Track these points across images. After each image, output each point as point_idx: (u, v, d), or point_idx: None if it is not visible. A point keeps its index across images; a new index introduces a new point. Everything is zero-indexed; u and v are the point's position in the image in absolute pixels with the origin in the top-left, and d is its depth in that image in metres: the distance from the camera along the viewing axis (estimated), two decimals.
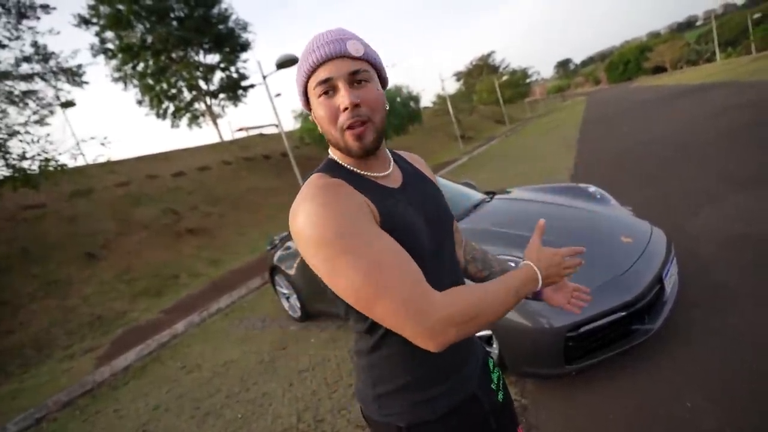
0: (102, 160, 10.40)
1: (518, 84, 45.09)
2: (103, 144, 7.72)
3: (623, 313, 1.71)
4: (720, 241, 2.90)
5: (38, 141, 6.98)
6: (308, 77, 0.72)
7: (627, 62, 77.61)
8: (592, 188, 2.84)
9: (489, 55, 59.88)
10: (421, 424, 0.76)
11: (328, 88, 0.69)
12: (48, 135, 6.99)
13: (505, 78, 41.48)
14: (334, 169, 0.75)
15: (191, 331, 5.03)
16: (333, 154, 0.79)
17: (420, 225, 0.74)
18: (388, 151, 0.84)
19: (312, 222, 0.63)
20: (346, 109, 0.68)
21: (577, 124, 17.32)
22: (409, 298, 0.60)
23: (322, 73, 0.69)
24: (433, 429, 0.76)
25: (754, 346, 1.84)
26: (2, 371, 5.15)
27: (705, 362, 1.83)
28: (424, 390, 0.76)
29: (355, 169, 0.76)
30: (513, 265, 1.15)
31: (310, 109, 0.76)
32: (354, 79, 0.70)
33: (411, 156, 0.95)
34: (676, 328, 2.06)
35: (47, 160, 6.91)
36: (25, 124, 7.24)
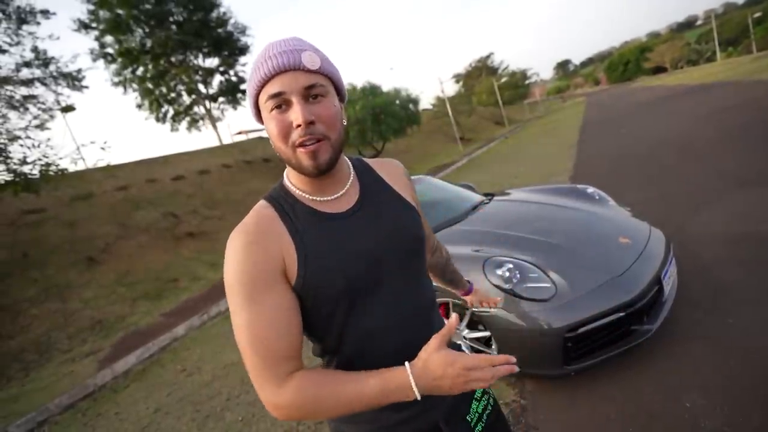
0: (102, 164, 10.41)
1: (517, 85, 45.15)
2: (103, 148, 7.75)
3: (622, 314, 1.71)
4: (720, 240, 2.90)
5: (39, 146, 7.02)
6: (259, 89, 0.66)
7: (627, 63, 77.72)
8: (590, 189, 2.84)
9: (488, 56, 59.99)
10: None
11: (281, 102, 0.65)
12: (48, 140, 7.00)
13: (504, 80, 41.58)
14: (278, 197, 0.74)
15: (191, 334, 5.03)
16: (286, 175, 0.77)
17: (349, 260, 0.69)
18: (350, 166, 0.80)
19: (229, 261, 0.67)
20: (299, 126, 0.64)
21: (576, 125, 17.33)
22: (258, 369, 0.64)
23: (274, 86, 0.64)
24: None
25: (755, 345, 1.84)
26: (3, 375, 5.15)
27: (704, 362, 1.83)
28: (376, 418, 0.74)
29: (303, 194, 0.73)
30: (467, 282, 1.15)
31: (261, 122, 0.70)
32: (309, 94, 0.65)
33: (386, 165, 0.86)
34: (675, 328, 2.06)
35: (48, 164, 6.94)
36: (26, 128, 7.27)
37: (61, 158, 7.21)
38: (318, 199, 0.73)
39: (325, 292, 0.68)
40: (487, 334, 1.97)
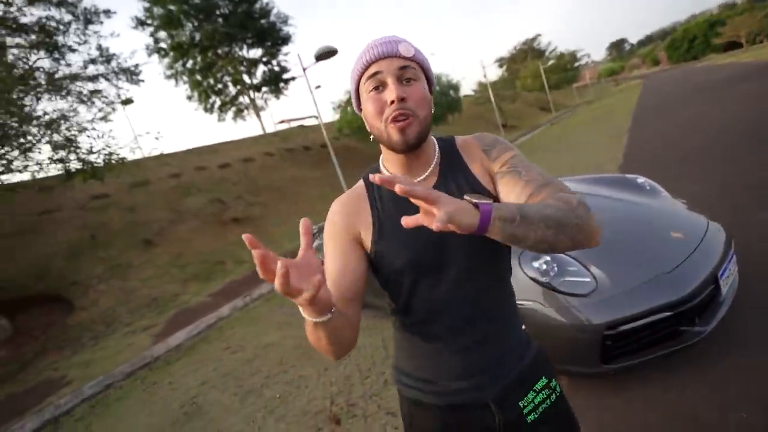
0: (156, 153, 11.13)
1: (566, 68, 42.55)
2: (156, 138, 8.34)
3: (669, 313, 1.60)
4: None
5: (102, 136, 7.62)
6: (360, 75, 0.77)
7: (693, 39, 70.15)
8: (641, 179, 2.65)
9: (534, 38, 56.93)
10: (421, 405, 0.83)
11: (378, 83, 0.74)
12: (111, 131, 7.58)
13: (551, 62, 39.37)
14: (373, 173, 0.79)
15: (235, 314, 5.33)
16: (381, 159, 0.86)
17: (417, 239, 0.74)
18: (436, 149, 0.83)
19: (328, 217, 0.85)
20: (392, 102, 0.72)
21: (629, 110, 16.11)
22: None
23: (373, 69, 0.74)
24: (431, 415, 0.82)
25: None
26: (77, 342, 5.76)
27: (763, 371, 1.68)
28: (429, 378, 0.82)
29: (389, 174, 0.76)
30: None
31: (361, 110, 0.80)
32: (403, 76, 0.74)
33: (466, 145, 0.85)
34: (734, 332, 1.90)
35: (110, 154, 7.53)
36: (92, 121, 7.91)
37: (121, 148, 7.79)
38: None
39: (393, 264, 0.78)
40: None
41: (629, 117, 13.37)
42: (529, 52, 54.07)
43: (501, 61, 55.57)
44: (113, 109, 9.37)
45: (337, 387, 2.66)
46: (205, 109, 24.35)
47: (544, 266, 1.80)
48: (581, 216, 0.65)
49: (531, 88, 38.35)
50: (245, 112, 25.26)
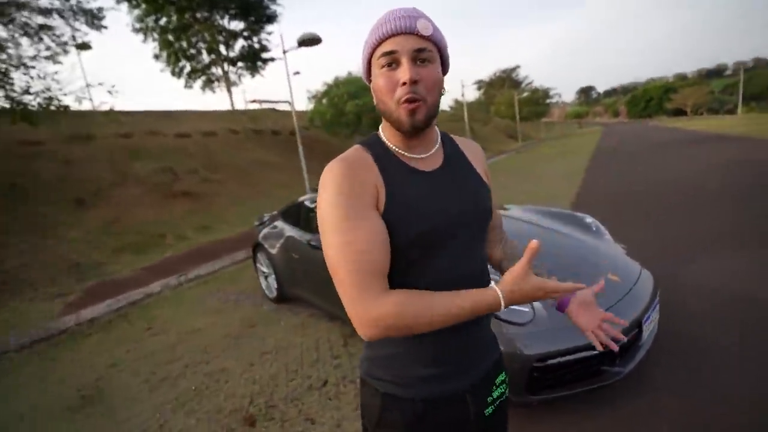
0: (105, 107, 10.23)
1: (538, 103, 44.84)
2: (110, 92, 7.60)
3: (595, 352, 1.64)
4: (709, 295, 2.84)
5: (44, 78, 6.86)
6: (374, 48, 0.74)
7: (650, 99, 77.17)
8: (589, 219, 2.77)
9: (513, 69, 59.54)
10: (396, 398, 0.80)
11: (392, 60, 0.71)
12: (56, 73, 6.83)
13: (525, 95, 41.26)
14: (373, 144, 0.80)
15: (166, 293, 4.97)
16: (381, 130, 0.82)
17: (430, 210, 0.75)
18: (438, 133, 0.85)
19: (328, 185, 0.72)
20: (404, 83, 0.70)
21: (589, 152, 17.21)
22: (355, 284, 0.67)
23: (387, 46, 0.71)
24: (406, 409, 0.79)
25: (721, 404, 1.78)
26: None
27: (668, 418, 1.77)
28: (408, 368, 0.79)
29: (395, 148, 0.79)
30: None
31: (370, 80, 0.78)
32: (418, 57, 0.71)
33: (467, 143, 0.92)
34: (647, 376, 2.00)
35: (51, 98, 6.79)
36: (34, 58, 7.11)
37: (65, 94, 7.06)
38: (407, 154, 0.79)
39: (404, 231, 0.73)
40: None
41: (588, 159, 14.26)
42: (506, 81, 56.40)
43: (480, 84, 57.48)
44: (65, 51, 8.51)
45: (260, 386, 2.52)
46: (173, 73, 22.88)
47: None
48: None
49: (503, 115, 39.96)
50: (216, 83, 24.05)
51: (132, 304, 4.66)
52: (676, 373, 2.04)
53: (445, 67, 0.79)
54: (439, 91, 0.76)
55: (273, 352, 2.96)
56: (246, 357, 2.93)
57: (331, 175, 0.72)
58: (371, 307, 0.66)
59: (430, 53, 0.72)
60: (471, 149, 0.91)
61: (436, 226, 0.75)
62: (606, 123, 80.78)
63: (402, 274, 0.74)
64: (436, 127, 0.85)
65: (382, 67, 0.73)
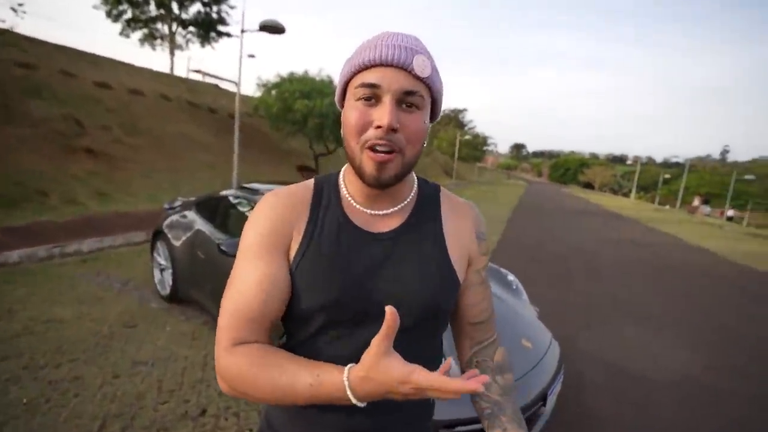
0: (2, 26, 8.55)
1: (476, 147, 48.16)
2: (14, 9, 6.32)
3: None
4: (603, 366, 3.07)
5: None
6: (356, 73, 0.60)
7: (568, 169, 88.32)
8: (511, 276, 2.84)
9: (461, 111, 63.58)
10: None
11: (371, 95, 0.58)
12: None
13: (467, 137, 44.05)
14: (327, 185, 0.70)
15: (28, 265, 4.10)
16: (344, 170, 0.71)
17: (346, 281, 0.61)
18: (414, 187, 0.71)
19: (252, 215, 0.67)
20: (379, 127, 0.57)
21: (512, 203, 18.72)
22: (223, 325, 0.60)
23: (371, 76, 0.57)
24: None
25: None
26: None
27: None
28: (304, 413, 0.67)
29: (347, 197, 0.67)
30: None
31: (343, 106, 0.64)
32: (405, 100, 0.58)
33: (458, 209, 0.74)
34: None
35: None
36: None
37: None
38: (359, 207, 0.67)
39: (305, 295, 0.62)
40: None
41: (510, 209, 15.45)
42: (453, 120, 59.84)
43: None
44: None
45: (119, 406, 2.08)
46: (109, 14, 20.24)
47: None
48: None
49: (444, 152, 42.09)
50: (158, 41, 21.79)
51: None
52: None
53: (434, 116, 0.66)
54: (422, 143, 0.62)
55: (149, 363, 2.52)
56: (112, 365, 2.45)
57: (259, 207, 0.66)
58: (222, 357, 0.58)
59: (421, 99, 0.59)
60: (456, 217, 0.72)
61: (346, 303, 0.61)
62: (530, 180, 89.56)
63: (308, 351, 0.62)
64: (413, 178, 0.72)
65: (359, 98, 0.58)
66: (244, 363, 0.56)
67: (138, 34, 21.38)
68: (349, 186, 0.68)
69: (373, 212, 0.67)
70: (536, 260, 6.74)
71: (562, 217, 15.68)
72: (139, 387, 2.26)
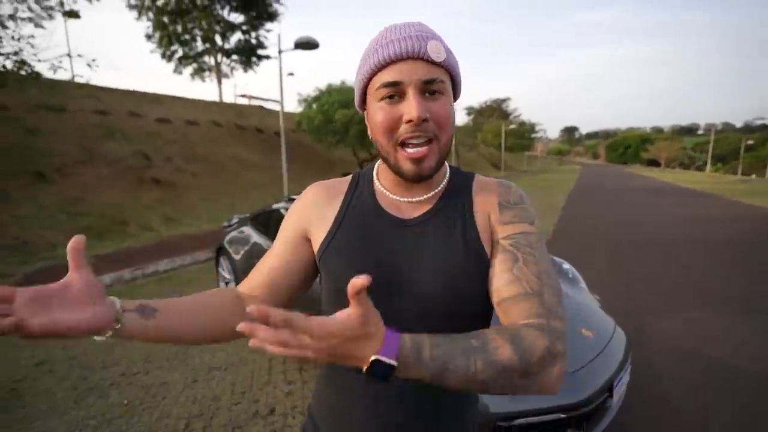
0: (80, 80, 9.71)
1: (523, 136, 46.15)
2: (89, 65, 7.21)
3: (563, 415, 1.54)
4: (676, 354, 2.83)
5: (18, 39, 6.45)
6: (372, 75, 0.60)
7: (628, 147, 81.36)
8: (566, 265, 2.72)
9: (504, 100, 61.34)
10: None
11: (395, 92, 0.58)
12: (31, 36, 6.43)
13: (513, 126, 42.42)
14: (363, 177, 0.73)
15: (117, 287, 4.63)
16: (378, 164, 0.72)
17: (368, 265, 0.61)
18: (446, 173, 0.70)
19: (295, 201, 0.75)
20: (410, 121, 0.57)
21: (567, 190, 17.71)
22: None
23: (390, 74, 0.57)
24: None
25: None
26: None
27: None
28: (321, 407, 0.74)
29: (380, 187, 0.70)
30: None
31: (364, 109, 0.65)
32: (427, 89, 0.58)
33: (489, 186, 0.69)
34: None
35: (22, 62, 6.37)
36: (12, 17, 6.68)
37: (40, 60, 6.64)
38: (391, 196, 0.68)
39: (332, 278, 0.66)
40: None
41: (566, 196, 14.63)
42: (496, 110, 57.96)
43: (470, 110, 58.82)
44: (50, 16, 8.07)
45: (200, 407, 2.29)
46: (164, 56, 22.27)
47: None
48: (534, 372, 0.49)
49: (489, 144, 40.84)
50: (206, 73, 23.55)
51: None
52: None
53: (456, 96, 0.66)
54: (452, 127, 0.62)
55: (222, 368, 2.74)
56: (191, 370, 2.69)
57: (300, 196, 0.74)
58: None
59: (442, 83, 0.59)
60: (484, 195, 0.67)
61: (372, 286, 0.56)
62: (585, 163, 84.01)
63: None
64: (447, 165, 0.71)
65: (382, 98, 0.59)
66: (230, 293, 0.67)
67: (189, 69, 23.26)
68: (381, 178, 0.70)
69: (404, 200, 0.67)
70: (599, 247, 6.33)
71: (627, 199, 14.52)
72: (215, 390, 2.47)
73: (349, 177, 0.75)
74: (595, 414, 1.70)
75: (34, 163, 7.68)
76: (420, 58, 0.57)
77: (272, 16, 23.20)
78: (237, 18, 22.71)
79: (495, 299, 0.60)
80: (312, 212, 0.70)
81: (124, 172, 8.94)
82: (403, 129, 0.58)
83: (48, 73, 7.23)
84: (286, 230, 0.71)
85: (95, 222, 7.10)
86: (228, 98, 22.07)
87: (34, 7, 7.60)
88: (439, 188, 0.68)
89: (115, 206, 7.78)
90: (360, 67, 0.62)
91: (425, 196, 0.66)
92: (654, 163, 66.55)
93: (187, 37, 21.92)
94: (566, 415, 1.55)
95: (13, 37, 6.29)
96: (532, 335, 0.50)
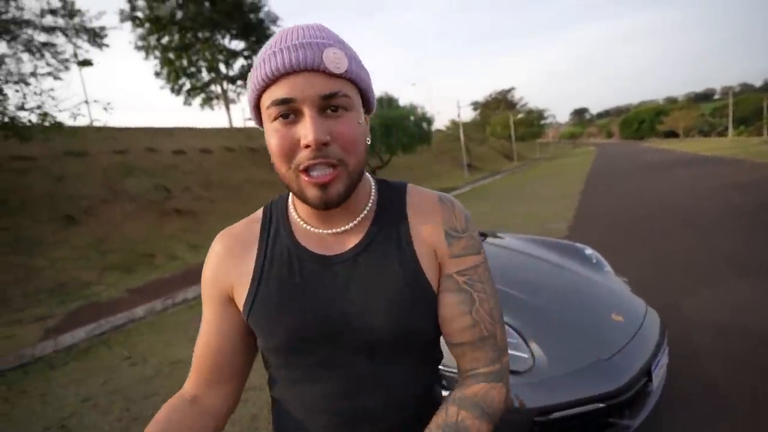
0: (98, 124, 10.17)
1: (532, 123, 45.50)
2: (105, 109, 7.56)
3: (602, 405, 1.51)
4: (716, 330, 2.71)
5: (41, 94, 6.82)
6: (261, 91, 0.51)
7: (642, 121, 79.08)
8: (588, 250, 2.66)
9: (509, 90, 60.74)
10: None
11: (288, 111, 0.49)
12: (51, 89, 6.80)
13: (520, 116, 41.87)
14: (276, 210, 0.65)
15: (150, 318, 4.77)
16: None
17: (296, 318, 0.56)
18: (372, 192, 0.62)
19: (205, 261, 0.65)
20: (308, 146, 0.48)
21: (583, 173, 17.31)
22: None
23: (281, 90, 0.48)
24: None
25: None
26: None
27: None
28: None
29: (297, 220, 0.61)
30: None
31: (263, 125, 0.55)
32: (327, 105, 0.49)
33: (424, 204, 0.62)
34: (658, 427, 1.85)
35: (45, 114, 6.73)
36: (34, 74, 7.07)
37: (60, 110, 7.01)
38: (312, 229, 0.60)
39: (267, 340, 0.59)
40: None
41: (583, 180, 14.30)
42: (502, 102, 57.40)
43: (476, 105, 58.40)
44: (66, 68, 8.53)
45: (240, 427, 2.34)
46: (173, 90, 23.05)
47: None
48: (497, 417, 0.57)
49: (499, 136, 40.42)
50: (214, 101, 24.24)
51: (114, 329, 4.47)
52: (687, 424, 1.90)
53: (368, 108, 0.57)
54: (364, 146, 0.54)
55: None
56: None
57: (208, 254, 0.64)
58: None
59: (346, 98, 0.50)
60: (425, 215, 0.60)
61: (312, 338, 0.55)
62: (600, 143, 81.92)
63: (287, 389, 0.61)
64: (369, 180, 0.63)
65: (275, 118, 0.50)
66: (161, 417, 0.57)
67: (198, 100, 24.00)
68: (298, 207, 0.61)
69: (327, 232, 0.59)
70: (621, 227, 6.15)
71: (645, 174, 14.07)
72: (252, 409, 2.51)
73: (259, 214, 0.65)
74: (637, 400, 1.65)
75: (64, 207, 8.05)
76: (315, 69, 0.48)
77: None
78: (238, 45, 23.36)
79: (452, 339, 0.59)
80: (227, 269, 0.60)
81: (146, 205, 9.26)
82: (303, 155, 0.49)
83: (69, 121, 7.58)
84: (209, 299, 0.62)
85: (124, 257, 7.37)
86: (237, 122, 22.66)
87: (52, 61, 8.06)
88: (366, 211, 0.60)
89: (141, 240, 8.06)
90: (250, 77, 0.52)
91: (351, 224, 0.58)
92: (672, 134, 64.36)
93: (193, 69, 22.67)
94: (605, 404, 1.52)
95: (35, 92, 6.65)
96: (491, 394, 0.57)
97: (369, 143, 0.57)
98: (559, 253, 2.63)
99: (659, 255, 4.60)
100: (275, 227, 0.62)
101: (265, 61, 0.49)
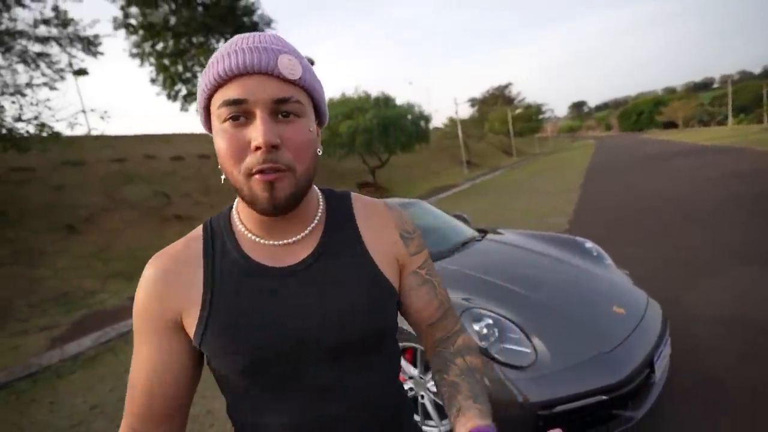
0: (95, 133, 10.20)
1: (531, 118, 45.49)
2: (102, 118, 7.57)
3: (605, 397, 1.52)
4: (718, 321, 2.72)
5: (37, 104, 6.84)
6: (213, 90, 0.50)
7: (641, 113, 79.04)
8: (588, 243, 2.67)
9: (506, 86, 60.73)
10: None
11: (240, 112, 0.48)
12: (48, 100, 6.82)
13: (518, 111, 41.86)
14: (218, 227, 0.60)
15: None
16: (236, 204, 0.62)
17: (263, 334, 0.53)
18: (320, 203, 0.63)
19: (138, 287, 0.58)
20: (258, 148, 0.48)
21: (583, 167, 17.31)
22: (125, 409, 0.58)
23: (234, 90, 0.48)
24: None
25: None
26: None
27: None
28: None
29: (244, 232, 0.58)
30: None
31: (210, 129, 0.53)
32: (279, 110, 0.49)
33: (373, 211, 0.65)
34: (660, 420, 1.87)
35: (42, 125, 6.75)
36: (29, 85, 7.09)
37: (57, 120, 7.04)
38: (261, 241, 0.58)
39: (225, 365, 0.54)
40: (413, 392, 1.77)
41: (582, 174, 14.30)
42: (500, 98, 57.38)
43: (473, 102, 58.38)
44: (61, 77, 8.54)
45: None
46: (169, 96, 23.01)
47: (485, 330, 1.67)
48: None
49: (497, 132, 40.41)
50: None
51: (120, 337, 4.49)
52: (689, 416, 1.91)
53: (321, 119, 0.58)
54: (314, 154, 0.54)
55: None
56: None
57: (141, 280, 0.57)
58: None
59: (298, 104, 0.50)
60: (375, 221, 0.64)
61: (269, 356, 0.53)
62: (599, 136, 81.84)
63: (252, 411, 0.57)
64: (317, 192, 0.64)
65: (225, 120, 0.49)
66: None
67: (194, 105, 24.01)
68: (244, 219, 0.59)
69: (278, 243, 0.57)
70: (622, 221, 6.16)
71: (645, 166, 14.07)
72: None
73: (199, 231, 0.60)
74: (640, 392, 1.66)
75: (64, 217, 8.07)
76: (270, 73, 0.48)
77: None
78: None
79: (425, 323, 0.68)
80: (170, 294, 0.55)
81: (146, 212, 9.29)
82: (252, 158, 0.49)
83: (66, 131, 7.62)
84: (148, 331, 0.55)
85: (126, 264, 7.39)
86: None
87: (47, 71, 8.07)
88: (316, 221, 0.60)
89: (143, 246, 8.08)
90: (201, 79, 0.52)
91: (303, 234, 0.58)
92: (671, 125, 64.33)
93: (188, 75, 22.66)
94: (608, 397, 1.53)
95: (32, 103, 6.67)
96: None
97: (320, 154, 0.57)
98: (559, 247, 2.64)
99: (660, 248, 4.61)
100: (220, 242, 0.58)
101: (218, 60, 0.49)
